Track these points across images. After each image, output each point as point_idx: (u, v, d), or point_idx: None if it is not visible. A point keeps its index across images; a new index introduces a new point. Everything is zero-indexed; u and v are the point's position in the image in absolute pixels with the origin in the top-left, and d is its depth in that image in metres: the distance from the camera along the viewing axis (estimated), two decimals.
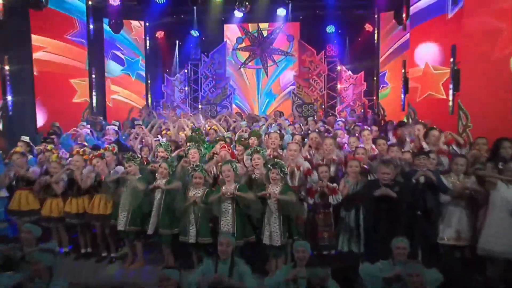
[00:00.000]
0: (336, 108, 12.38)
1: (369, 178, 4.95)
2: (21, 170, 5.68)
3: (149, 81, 12.41)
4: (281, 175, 4.69)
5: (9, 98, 7.91)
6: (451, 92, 7.35)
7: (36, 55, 8.86)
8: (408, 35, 9.71)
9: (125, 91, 11.86)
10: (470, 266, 4.57)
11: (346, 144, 6.24)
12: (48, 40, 9.10)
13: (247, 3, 10.84)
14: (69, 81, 9.56)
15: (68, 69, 9.51)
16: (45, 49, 9.07)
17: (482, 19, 6.62)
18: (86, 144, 6.83)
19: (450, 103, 7.58)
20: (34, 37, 8.78)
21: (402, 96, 9.71)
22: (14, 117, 8.26)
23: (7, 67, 7.80)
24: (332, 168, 5.38)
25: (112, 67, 11.52)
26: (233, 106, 12.57)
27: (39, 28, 8.87)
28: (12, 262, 4.06)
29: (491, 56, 6.61)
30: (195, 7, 11.54)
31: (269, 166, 4.82)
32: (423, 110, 8.73)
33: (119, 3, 10.39)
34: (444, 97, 7.92)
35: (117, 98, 11.63)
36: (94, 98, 10.21)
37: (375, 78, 11.80)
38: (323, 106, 12.35)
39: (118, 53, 11.64)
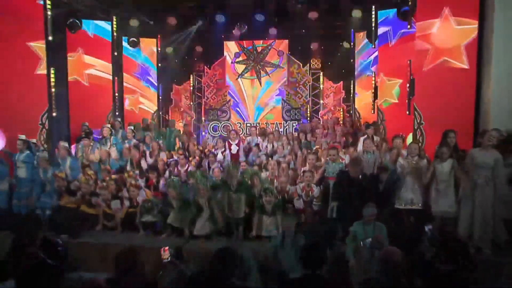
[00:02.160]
0: (320, 112, 13.74)
1: None
2: None
3: (160, 90, 13.54)
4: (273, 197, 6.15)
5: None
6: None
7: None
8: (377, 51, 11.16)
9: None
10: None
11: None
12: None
13: (244, 24, 12.20)
14: None
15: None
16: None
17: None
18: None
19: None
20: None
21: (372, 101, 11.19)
22: (55, 118, 9.51)
23: (52, 81, 9.10)
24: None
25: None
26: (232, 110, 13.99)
27: None
28: None
29: (438, 69, 8.09)
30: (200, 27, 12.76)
31: (261, 193, 6.25)
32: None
33: (138, 24, 11.64)
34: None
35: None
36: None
37: (351, 90, 13.08)
38: (308, 111, 13.72)
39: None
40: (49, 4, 8.54)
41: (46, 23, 8.60)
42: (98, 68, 11.02)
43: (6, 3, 8.34)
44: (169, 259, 4.31)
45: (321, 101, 13.87)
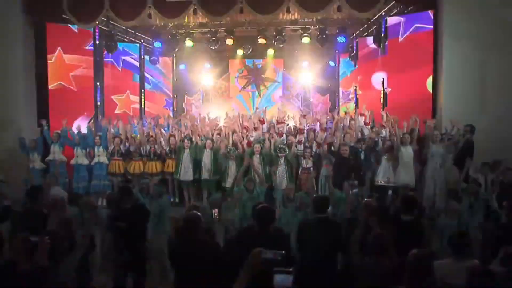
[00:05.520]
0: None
1: None
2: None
3: (175, 100, 15.23)
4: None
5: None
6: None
7: None
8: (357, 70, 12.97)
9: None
10: None
11: None
12: None
13: (249, 46, 13.91)
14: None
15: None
16: None
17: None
18: None
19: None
20: None
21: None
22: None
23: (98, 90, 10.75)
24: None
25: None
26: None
27: None
28: None
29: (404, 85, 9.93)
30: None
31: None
32: None
33: (160, 46, 13.22)
34: None
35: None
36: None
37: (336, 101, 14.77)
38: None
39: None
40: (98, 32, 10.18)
41: (95, 48, 10.23)
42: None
43: None
44: (217, 217, 5.88)
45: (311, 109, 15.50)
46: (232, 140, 8.68)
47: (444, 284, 3.69)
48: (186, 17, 9.98)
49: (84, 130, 9.43)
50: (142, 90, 12.98)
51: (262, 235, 3.92)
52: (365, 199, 5.05)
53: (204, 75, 15.27)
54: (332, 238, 4.60)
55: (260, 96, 15.79)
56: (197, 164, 8.55)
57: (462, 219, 5.60)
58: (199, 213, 4.08)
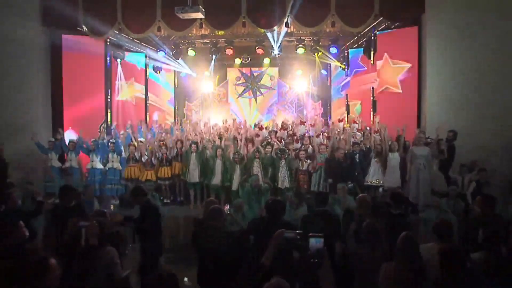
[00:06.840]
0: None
1: None
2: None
3: (176, 106, 15.77)
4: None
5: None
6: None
7: None
8: (349, 78, 13.66)
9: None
10: None
11: None
12: None
13: (247, 56, 14.52)
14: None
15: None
16: None
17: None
18: None
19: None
20: None
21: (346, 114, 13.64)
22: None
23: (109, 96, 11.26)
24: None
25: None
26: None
27: None
28: None
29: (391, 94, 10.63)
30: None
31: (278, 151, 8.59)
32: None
33: (163, 54, 13.74)
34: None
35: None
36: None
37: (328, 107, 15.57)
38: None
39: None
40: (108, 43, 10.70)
41: (106, 57, 10.75)
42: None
43: None
44: (228, 212, 6.44)
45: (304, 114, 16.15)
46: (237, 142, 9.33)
47: (427, 264, 4.31)
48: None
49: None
50: (147, 97, 13.47)
51: (273, 225, 4.50)
52: (359, 195, 5.67)
53: (204, 82, 15.84)
54: (331, 228, 5.20)
55: (256, 102, 16.39)
56: (203, 168, 9.11)
57: (442, 213, 6.27)
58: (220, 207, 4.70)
